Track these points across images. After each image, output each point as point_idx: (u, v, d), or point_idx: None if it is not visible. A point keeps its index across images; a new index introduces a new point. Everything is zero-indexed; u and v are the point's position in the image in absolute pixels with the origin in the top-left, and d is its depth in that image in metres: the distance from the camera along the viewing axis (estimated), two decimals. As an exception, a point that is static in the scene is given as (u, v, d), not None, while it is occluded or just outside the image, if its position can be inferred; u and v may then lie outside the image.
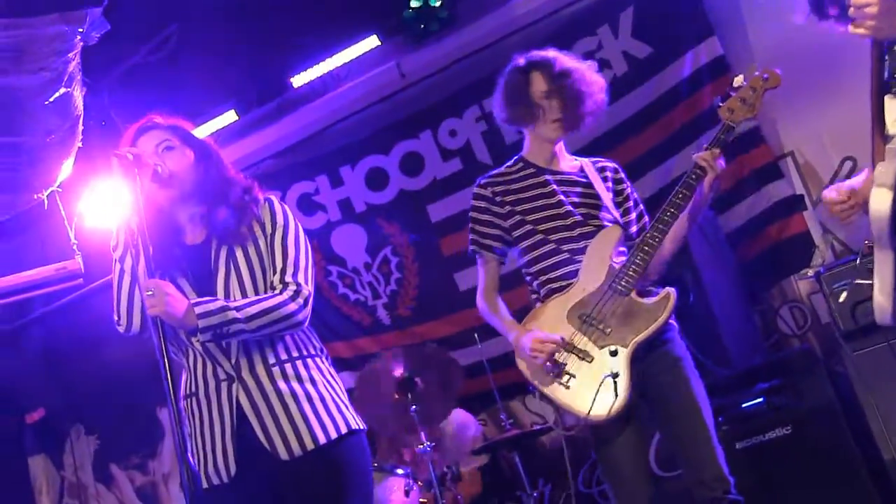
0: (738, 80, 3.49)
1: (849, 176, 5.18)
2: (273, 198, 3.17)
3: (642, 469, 3.49)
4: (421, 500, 5.14)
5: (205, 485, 3.00)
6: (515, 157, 3.78)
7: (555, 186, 3.64)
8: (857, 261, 4.38)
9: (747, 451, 4.50)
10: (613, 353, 3.39)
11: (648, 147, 5.75)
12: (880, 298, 2.76)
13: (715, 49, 5.55)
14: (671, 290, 3.47)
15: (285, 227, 3.09)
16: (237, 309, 2.89)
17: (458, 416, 5.80)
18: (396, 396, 5.22)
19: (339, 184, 6.58)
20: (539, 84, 3.61)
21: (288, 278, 3.02)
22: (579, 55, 3.77)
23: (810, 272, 5.04)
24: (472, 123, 6.22)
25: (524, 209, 3.64)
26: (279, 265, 3.03)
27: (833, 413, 4.38)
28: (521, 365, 3.56)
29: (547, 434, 5.67)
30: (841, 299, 3.49)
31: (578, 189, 3.66)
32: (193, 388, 3.04)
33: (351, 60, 6.17)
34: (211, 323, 2.85)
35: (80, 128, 4.71)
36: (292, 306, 2.98)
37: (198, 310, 2.84)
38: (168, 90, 5.76)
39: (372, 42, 6.11)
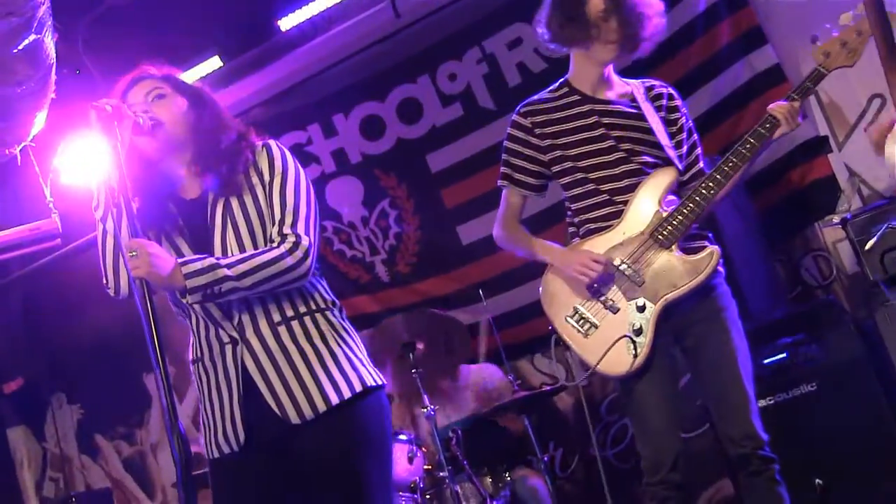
0: (846, 19, 3.34)
1: (878, 115, 5.16)
2: (272, 142, 3.12)
3: (672, 421, 3.49)
4: (425, 466, 5.16)
5: (215, 454, 2.99)
6: (560, 81, 3.72)
7: (599, 118, 3.57)
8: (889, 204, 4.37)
9: (770, 408, 4.47)
10: (641, 308, 3.39)
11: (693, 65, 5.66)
12: None
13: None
14: (716, 249, 3.44)
15: (284, 172, 3.03)
16: (228, 266, 2.84)
17: (473, 369, 5.83)
18: (398, 360, 5.27)
19: (333, 133, 6.53)
20: (597, 2, 3.50)
21: (287, 229, 2.96)
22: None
23: (835, 219, 4.97)
24: (472, 66, 6.14)
25: (565, 143, 3.59)
26: (278, 216, 2.98)
27: (861, 368, 4.36)
28: (546, 290, 3.58)
29: (557, 395, 5.67)
30: (868, 246, 3.46)
31: (627, 121, 3.58)
32: (199, 353, 3.03)
33: (342, 0, 6.04)
34: (199, 283, 2.80)
35: (53, 77, 4.66)
36: (289, 260, 2.91)
37: (185, 269, 2.79)
38: (146, 35, 5.69)
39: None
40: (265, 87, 6.55)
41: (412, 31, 6.23)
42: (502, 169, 3.71)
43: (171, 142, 3.02)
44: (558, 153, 3.59)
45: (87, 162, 5.56)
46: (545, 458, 4.99)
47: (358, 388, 2.94)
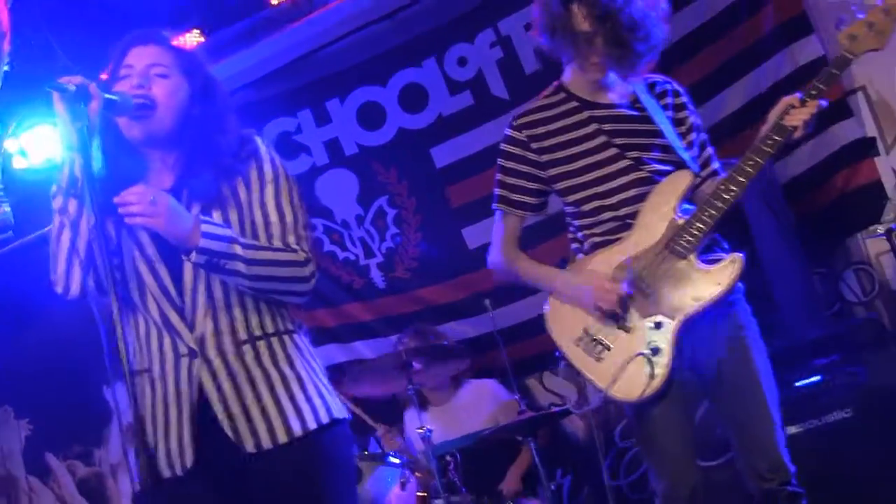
0: None
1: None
2: (260, 143, 3.17)
3: (688, 450, 3.60)
4: (418, 493, 5.37)
5: (163, 474, 2.99)
6: (556, 84, 3.83)
7: (600, 125, 3.68)
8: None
9: (800, 436, 4.62)
10: (657, 326, 3.48)
11: (701, 75, 5.86)
12: None
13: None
14: (738, 256, 3.52)
15: (276, 183, 3.11)
16: (245, 246, 2.93)
17: (472, 384, 6.06)
18: (393, 380, 5.46)
19: (326, 121, 6.68)
20: (580, 21, 3.55)
21: (294, 244, 3.05)
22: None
23: (880, 229, 5.14)
24: (485, 50, 6.29)
25: (565, 155, 3.70)
26: (276, 230, 3.06)
27: (900, 393, 4.51)
28: (555, 324, 3.69)
29: (567, 417, 5.83)
30: None
31: (631, 126, 3.68)
32: (145, 364, 3.04)
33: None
34: (212, 247, 2.86)
35: (7, 48, 4.87)
36: (305, 271, 3.03)
37: (205, 227, 2.87)
38: (117, 4, 5.63)
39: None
40: (251, 68, 6.58)
41: (418, 8, 6.33)
42: (497, 191, 3.81)
43: (157, 129, 3.02)
44: (559, 168, 3.70)
45: (46, 145, 5.79)
46: (552, 487, 5.19)
47: (324, 419, 3.03)
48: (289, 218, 3.09)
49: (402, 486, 5.34)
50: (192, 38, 6.43)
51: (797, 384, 4.80)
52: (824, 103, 3.43)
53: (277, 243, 3.04)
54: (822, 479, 4.35)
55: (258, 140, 3.16)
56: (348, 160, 6.70)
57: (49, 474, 7.62)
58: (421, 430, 5.24)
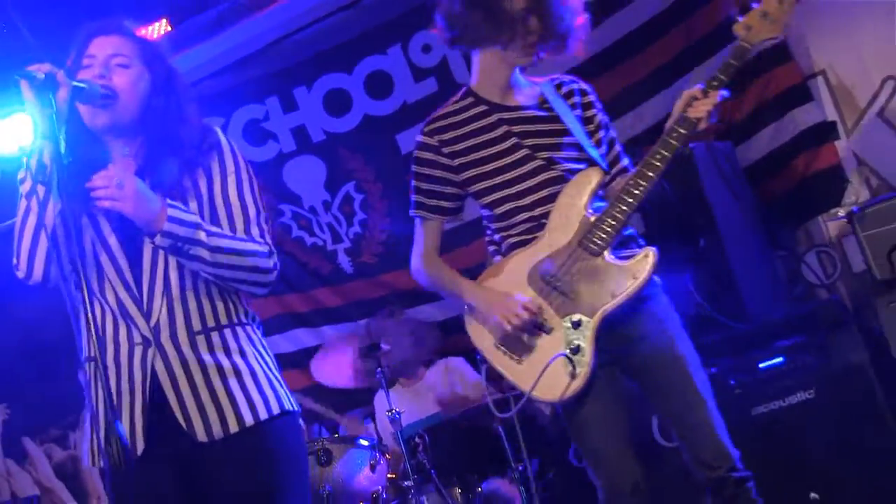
0: None
1: (891, 99, 5.27)
2: (220, 136, 3.14)
3: (623, 445, 3.52)
4: (388, 474, 5.31)
5: (101, 464, 2.94)
6: (463, 89, 3.75)
7: (509, 127, 3.62)
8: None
9: (764, 417, 4.59)
10: (576, 325, 3.41)
11: (651, 69, 5.82)
12: None
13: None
14: (651, 250, 3.46)
15: (238, 175, 3.10)
16: (209, 234, 2.92)
17: (439, 364, 6.00)
18: (361, 363, 5.44)
19: (293, 108, 6.64)
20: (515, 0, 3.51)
21: (258, 238, 3.05)
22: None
23: (841, 212, 5.09)
24: None
25: (476, 158, 3.63)
26: (239, 221, 3.05)
27: (864, 374, 4.45)
28: (474, 330, 3.63)
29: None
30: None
31: (540, 126, 3.63)
32: (98, 351, 2.91)
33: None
34: (176, 232, 2.86)
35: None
36: (268, 263, 3.04)
37: (171, 212, 2.85)
38: None
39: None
40: (219, 56, 6.55)
41: (382, -6, 6.26)
42: (413, 197, 3.74)
43: (120, 118, 3.00)
44: (471, 171, 3.63)
45: (15, 132, 5.68)
46: (520, 468, 5.09)
47: (275, 410, 3.02)
48: (251, 210, 3.09)
49: (372, 468, 5.25)
50: (159, 28, 6.37)
51: (760, 366, 4.73)
52: (726, 93, 3.38)
53: (241, 235, 3.03)
54: (786, 459, 4.47)
55: (219, 132, 3.15)
56: (315, 147, 6.66)
57: (26, 458, 7.62)
58: (389, 413, 5.18)
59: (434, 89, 6.33)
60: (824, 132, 5.44)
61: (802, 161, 5.48)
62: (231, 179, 3.07)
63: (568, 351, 3.38)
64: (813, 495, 4.43)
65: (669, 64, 5.78)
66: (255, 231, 3.05)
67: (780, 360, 4.68)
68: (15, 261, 3.00)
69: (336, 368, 5.68)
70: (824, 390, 4.54)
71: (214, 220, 3.03)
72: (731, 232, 4.98)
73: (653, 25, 5.82)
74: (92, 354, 2.96)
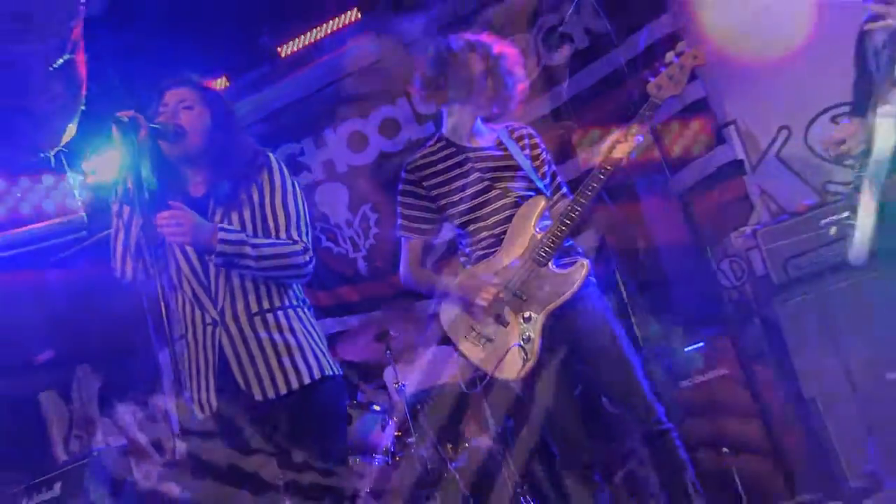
0: (670, 57, 3.46)
1: (784, 145, 5.30)
2: (271, 158, 3.17)
3: (575, 420, 3.51)
4: (395, 433, 5.27)
5: (198, 415, 3.07)
6: (437, 135, 3.78)
7: (474, 164, 3.62)
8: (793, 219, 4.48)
9: (690, 389, 4.65)
10: (527, 320, 3.43)
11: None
12: (861, 241, 2.99)
13: (666, 25, 5.52)
14: (585, 262, 3.48)
15: (283, 188, 3.11)
16: (254, 246, 2.95)
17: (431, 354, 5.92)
18: (375, 345, 5.41)
19: (323, 145, 6.60)
20: (477, 63, 3.60)
21: (295, 236, 3.07)
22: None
23: (748, 230, 5.08)
24: None
25: (449, 190, 3.64)
26: (283, 224, 3.06)
27: (763, 356, 4.55)
28: (444, 317, 3.62)
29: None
30: (832, 232, 3.56)
31: (497, 163, 3.63)
32: (183, 331, 3.11)
33: (334, 32, 6.15)
34: (226, 251, 2.91)
35: (84, 92, 4.70)
36: (303, 258, 3.05)
37: (221, 235, 2.90)
38: (167, 56, 5.70)
39: (353, 15, 6.10)
40: (265, 104, 6.56)
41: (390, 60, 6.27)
42: (400, 221, 3.75)
43: (189, 149, 3.07)
44: (445, 200, 3.64)
45: (110, 164, 5.67)
46: (499, 429, 5.05)
47: (317, 375, 3.04)
48: (293, 215, 3.09)
49: (383, 427, 5.24)
50: (220, 83, 6.39)
51: (686, 349, 4.75)
52: (640, 139, 3.40)
53: (282, 235, 3.05)
54: (706, 421, 4.58)
55: (269, 153, 3.18)
56: (340, 176, 6.61)
57: (116, 415, 7.53)
58: (396, 385, 5.19)
59: (433, 130, 6.19)
60: (735, 168, 5.45)
61: (719, 190, 5.48)
62: (278, 191, 3.09)
63: (521, 341, 3.40)
64: (724, 450, 4.47)
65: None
66: (294, 232, 3.06)
67: (701, 344, 4.71)
68: (112, 264, 3.08)
69: (356, 349, 5.63)
70: (734, 368, 4.59)
71: (265, 223, 3.06)
72: (665, 246, 5.03)
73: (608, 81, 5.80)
74: (183, 333, 3.10)
